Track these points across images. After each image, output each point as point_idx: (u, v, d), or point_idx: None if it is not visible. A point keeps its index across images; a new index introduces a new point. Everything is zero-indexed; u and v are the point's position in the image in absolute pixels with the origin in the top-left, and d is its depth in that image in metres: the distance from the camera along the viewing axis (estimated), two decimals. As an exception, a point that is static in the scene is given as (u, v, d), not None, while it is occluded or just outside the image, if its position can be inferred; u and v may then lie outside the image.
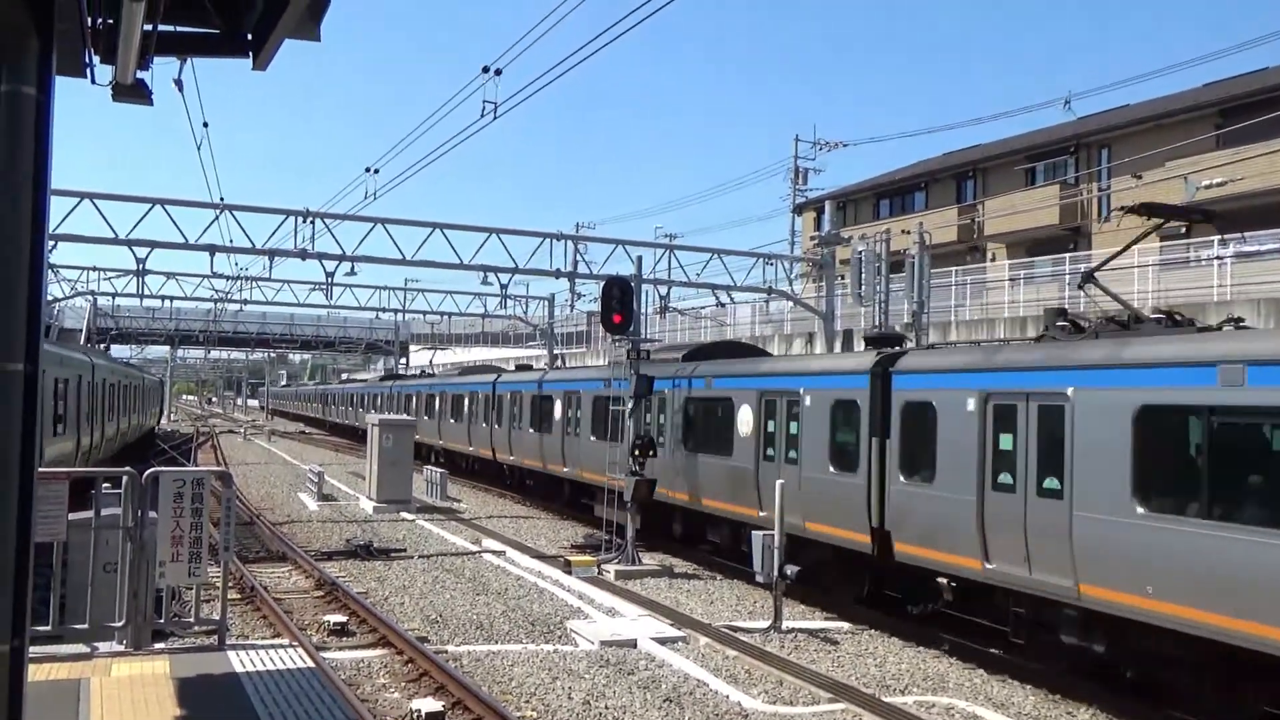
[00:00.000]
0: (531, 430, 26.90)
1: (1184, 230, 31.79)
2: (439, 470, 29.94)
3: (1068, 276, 28.62)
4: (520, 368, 36.60)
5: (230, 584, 13.69)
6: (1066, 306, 25.95)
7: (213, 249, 25.83)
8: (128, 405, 34.86)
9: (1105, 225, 35.14)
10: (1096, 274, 13.36)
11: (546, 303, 43.97)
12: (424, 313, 50.35)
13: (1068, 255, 31.08)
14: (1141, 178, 32.03)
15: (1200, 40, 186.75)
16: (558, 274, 28.71)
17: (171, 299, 43.74)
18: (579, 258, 29.60)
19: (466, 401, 33.97)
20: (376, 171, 24.64)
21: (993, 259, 37.73)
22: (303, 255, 26.19)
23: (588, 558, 18.39)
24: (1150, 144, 31.52)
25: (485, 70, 16.81)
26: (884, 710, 10.26)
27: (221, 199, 25.17)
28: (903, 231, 32.25)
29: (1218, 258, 24.30)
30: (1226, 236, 25.73)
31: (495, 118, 17.07)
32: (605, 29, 11.75)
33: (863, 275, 25.03)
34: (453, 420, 35.85)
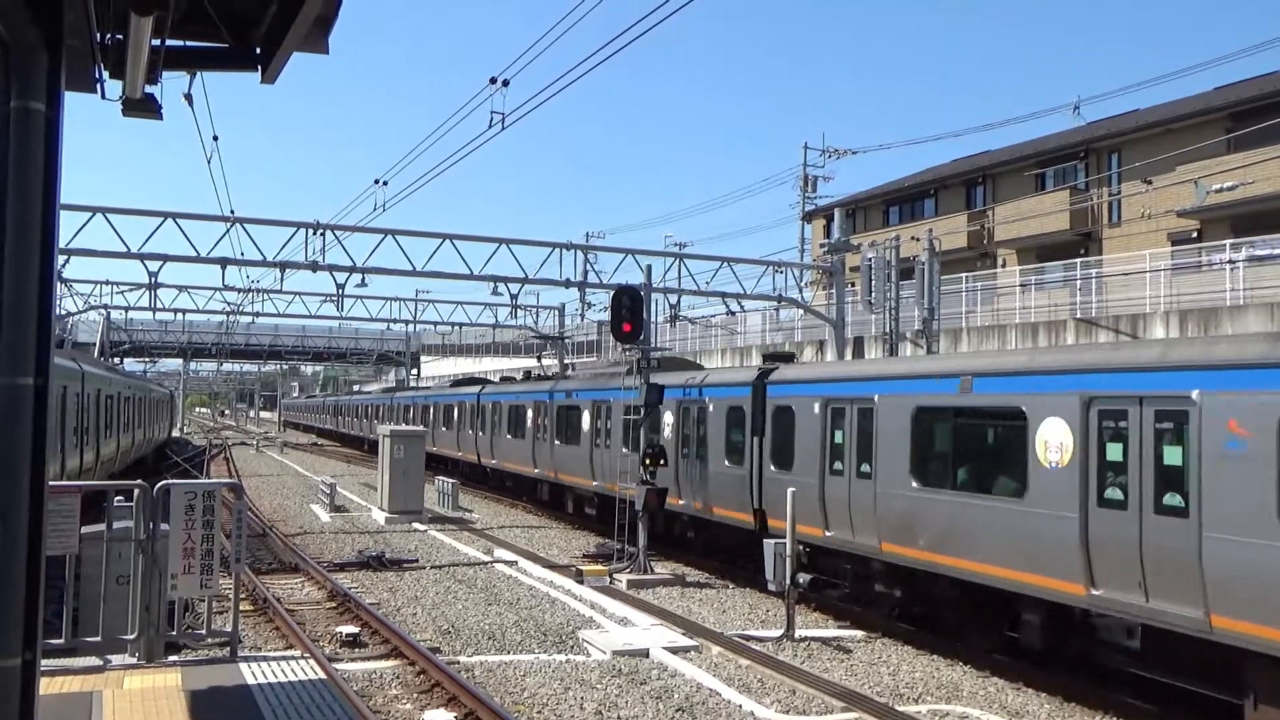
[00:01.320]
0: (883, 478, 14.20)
1: (1195, 234, 31.77)
2: (450, 480, 29.97)
3: (1079, 281, 28.54)
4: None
5: (243, 596, 13.75)
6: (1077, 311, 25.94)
7: (224, 262, 25.96)
8: (138, 419, 35.18)
9: (1116, 230, 35.05)
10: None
11: (557, 312, 44.04)
12: (435, 323, 50.35)
13: (1079, 260, 30.99)
14: (1152, 183, 31.96)
15: (1210, 44, 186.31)
16: (568, 284, 28.73)
17: (184, 312, 44.03)
18: (589, 267, 29.65)
19: (684, 413, 19.78)
20: (386, 183, 24.78)
21: (1003, 265, 37.64)
22: (314, 267, 26.28)
23: (599, 567, 18.38)
24: (1161, 148, 31.41)
25: (493, 81, 16.89)
26: (897, 719, 10.21)
27: (232, 212, 25.31)
28: (913, 238, 32.25)
29: (1230, 262, 24.17)
30: (1238, 240, 25.62)
31: (503, 128, 17.15)
32: (612, 39, 11.77)
33: (873, 282, 25.00)
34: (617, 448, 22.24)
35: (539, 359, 45.03)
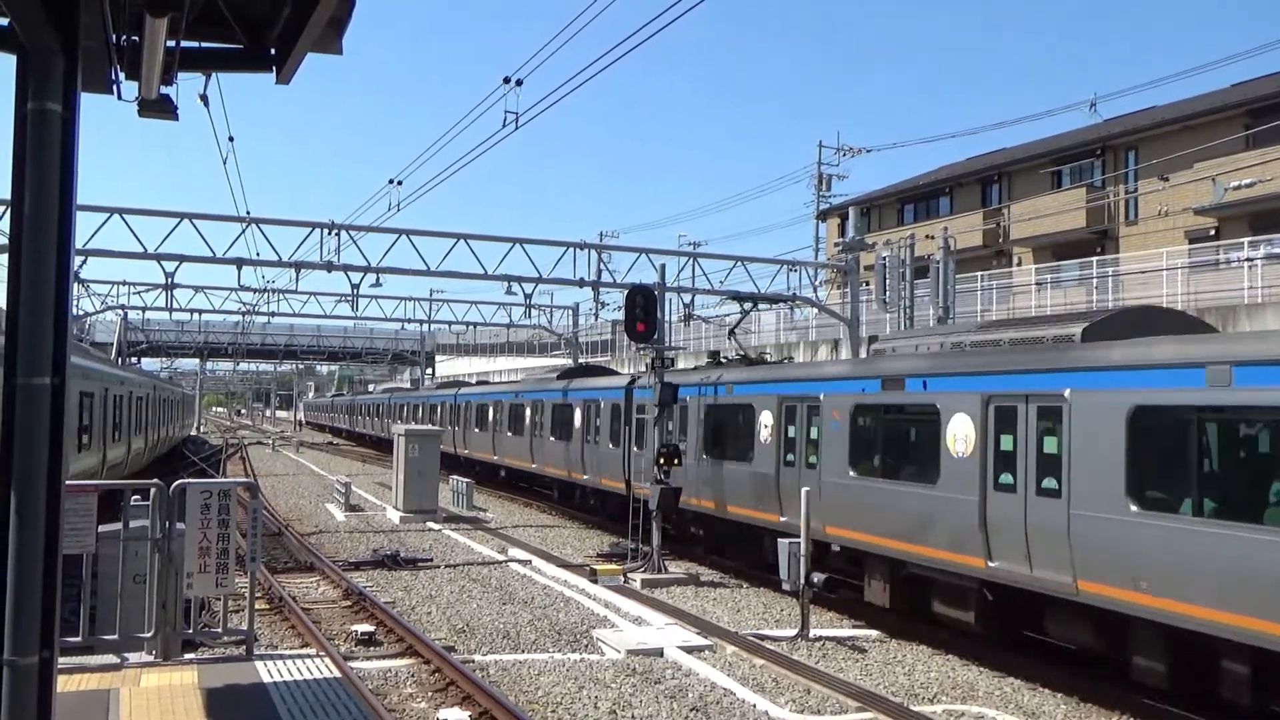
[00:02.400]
0: None
1: (1213, 232, 31.56)
2: (465, 480, 30.03)
3: (1095, 280, 28.40)
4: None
5: (258, 594, 13.80)
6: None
7: (240, 262, 26.11)
8: (175, 415, 37.96)
9: (1133, 228, 34.85)
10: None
11: (571, 312, 44.07)
12: (449, 323, 50.50)
13: (1095, 259, 30.83)
14: (1169, 180, 31.76)
15: (1227, 41, 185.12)
16: (581, 283, 28.75)
17: (200, 312, 44.33)
18: (603, 267, 29.67)
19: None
20: (400, 183, 24.84)
21: (1019, 263, 37.47)
22: (329, 267, 26.39)
23: (614, 566, 18.38)
24: (1178, 146, 31.23)
25: (506, 81, 16.91)
26: (912, 719, 10.18)
27: (248, 212, 25.44)
28: (927, 236, 32.18)
29: (1248, 259, 24.01)
30: (1256, 238, 25.44)
31: (517, 128, 17.17)
32: (625, 38, 11.77)
33: (887, 281, 24.94)
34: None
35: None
